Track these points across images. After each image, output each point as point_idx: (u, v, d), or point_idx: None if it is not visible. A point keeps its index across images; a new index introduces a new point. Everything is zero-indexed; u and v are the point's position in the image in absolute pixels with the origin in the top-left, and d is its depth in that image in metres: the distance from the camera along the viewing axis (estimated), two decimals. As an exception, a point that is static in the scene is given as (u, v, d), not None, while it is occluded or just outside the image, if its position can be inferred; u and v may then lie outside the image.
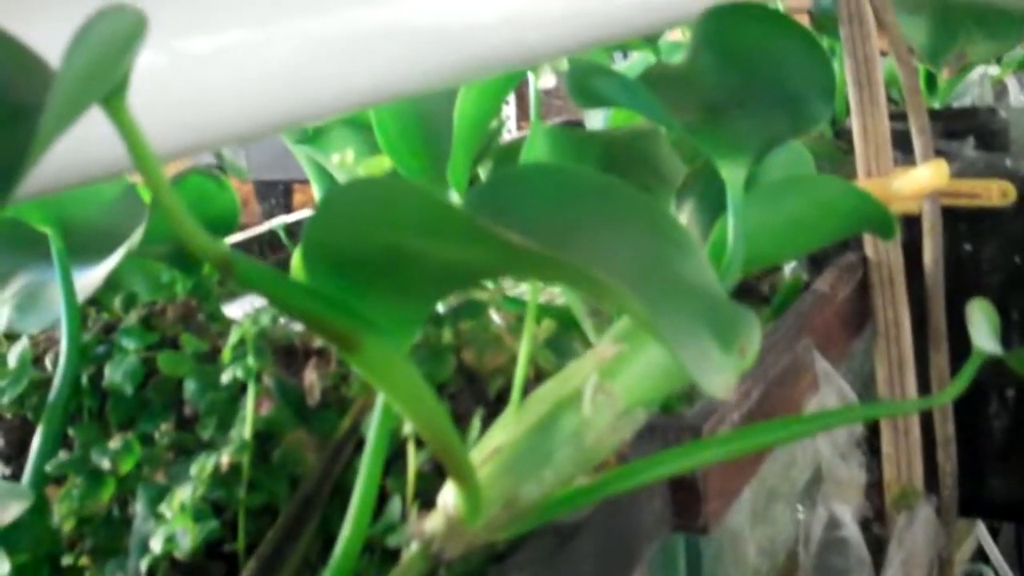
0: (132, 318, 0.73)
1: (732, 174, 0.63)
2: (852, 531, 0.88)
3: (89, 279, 0.72)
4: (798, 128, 0.63)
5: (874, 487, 0.97)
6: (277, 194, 2.58)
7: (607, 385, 0.57)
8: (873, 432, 0.97)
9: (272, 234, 1.07)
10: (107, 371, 0.71)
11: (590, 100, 0.65)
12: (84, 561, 0.69)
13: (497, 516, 0.55)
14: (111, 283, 0.76)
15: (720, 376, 0.47)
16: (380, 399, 0.54)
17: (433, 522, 0.55)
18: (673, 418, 0.67)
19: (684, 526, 0.68)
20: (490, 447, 0.56)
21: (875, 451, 0.97)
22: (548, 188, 0.53)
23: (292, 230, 1.08)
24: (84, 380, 0.72)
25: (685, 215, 0.73)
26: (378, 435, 0.54)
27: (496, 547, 0.58)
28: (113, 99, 0.35)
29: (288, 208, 2.51)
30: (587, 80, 0.63)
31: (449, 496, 0.55)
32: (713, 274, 0.54)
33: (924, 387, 0.97)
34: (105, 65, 0.33)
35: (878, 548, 0.95)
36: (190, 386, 0.69)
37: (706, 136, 0.62)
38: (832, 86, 0.63)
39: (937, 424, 0.99)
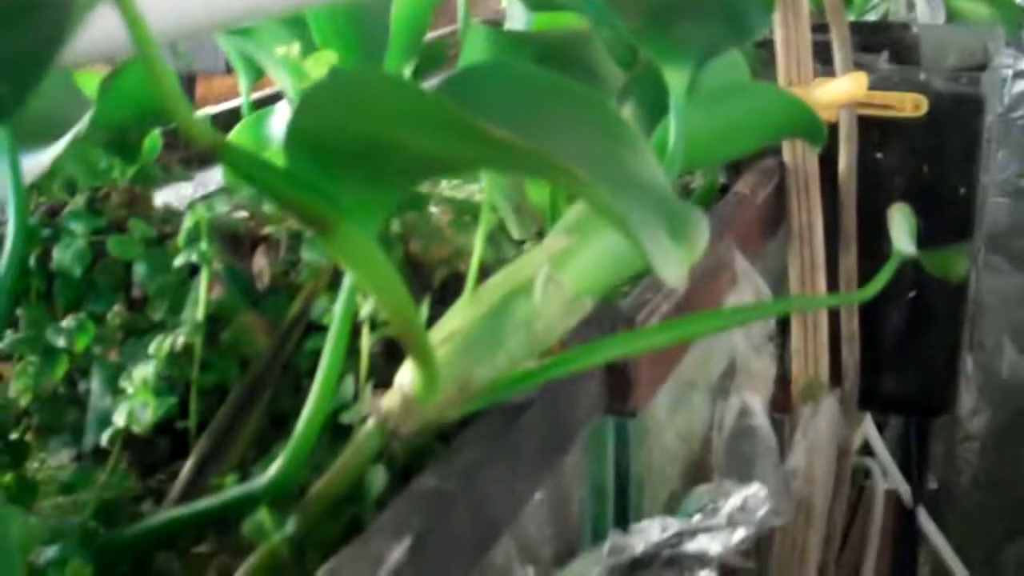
0: (79, 202, 0.73)
1: (675, 79, 0.66)
2: (761, 420, 0.93)
3: (35, 163, 0.72)
4: (738, 37, 0.66)
5: (783, 379, 1.02)
6: (180, 85, 2.52)
7: (557, 275, 0.60)
8: (783, 328, 1.02)
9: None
10: (55, 253, 0.72)
11: (542, 4, 0.67)
12: (29, 437, 0.71)
13: (451, 396, 0.58)
14: (50, 169, 0.77)
15: (676, 267, 0.51)
16: (346, 284, 0.56)
17: (390, 400, 0.58)
18: (610, 308, 0.71)
19: (616, 409, 0.72)
20: (445, 331, 0.59)
21: (785, 345, 1.03)
22: (504, 87, 0.55)
23: (215, 122, 1.08)
24: (31, 262, 0.73)
25: (625, 114, 0.76)
26: (342, 318, 0.57)
27: (445, 426, 0.61)
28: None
29: (191, 99, 2.47)
30: (540, -15, 0.65)
31: (406, 376, 0.58)
32: (662, 172, 0.57)
33: (833, 286, 1.02)
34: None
35: (784, 436, 1.00)
36: (140, 269, 0.70)
37: (651, 41, 0.64)
38: (768, 1, 0.66)
39: (843, 321, 1.04)
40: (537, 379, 0.61)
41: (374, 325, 0.64)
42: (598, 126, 0.57)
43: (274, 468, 0.57)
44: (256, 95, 1.18)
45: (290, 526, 0.55)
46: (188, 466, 0.64)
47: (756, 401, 0.93)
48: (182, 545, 0.61)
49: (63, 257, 0.71)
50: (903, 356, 1.10)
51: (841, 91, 0.91)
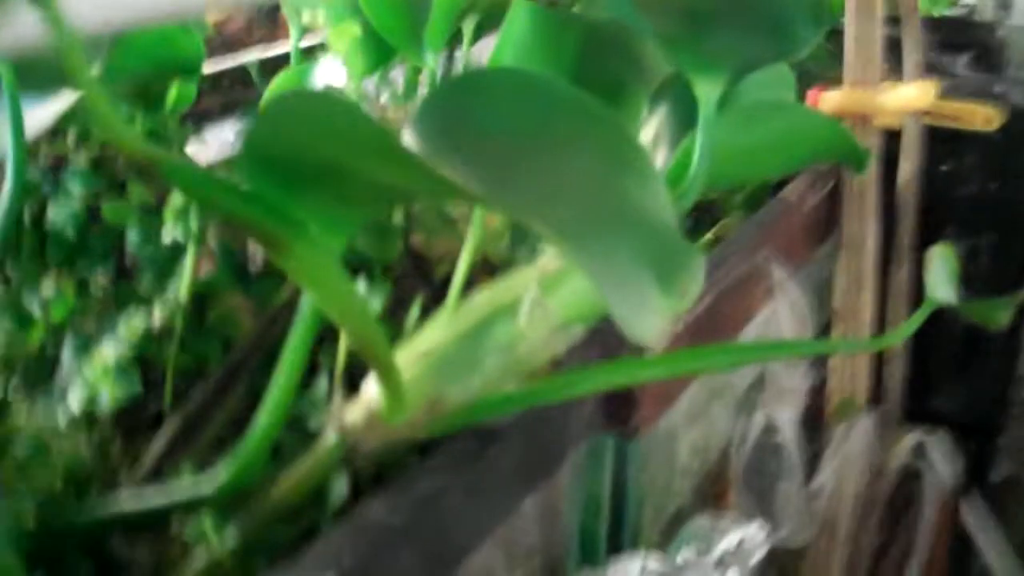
0: (81, 159, 0.71)
1: (706, 91, 0.61)
2: (788, 437, 0.89)
3: (40, 116, 0.69)
4: (781, 54, 0.61)
5: (817, 394, 0.97)
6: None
7: (545, 300, 0.56)
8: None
9: (244, 70, 1.04)
10: (50, 211, 0.69)
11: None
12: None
13: (419, 416, 0.55)
14: (68, 115, 0.74)
15: (653, 319, 0.46)
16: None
17: (353, 414, 0.55)
18: (614, 323, 0.66)
19: (615, 429, 0.68)
20: (420, 348, 0.55)
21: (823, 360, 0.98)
22: (511, 97, 0.51)
23: (268, 66, 1.05)
24: (27, 216, 0.70)
25: (657, 120, 0.71)
26: (308, 319, 0.53)
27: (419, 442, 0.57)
28: None
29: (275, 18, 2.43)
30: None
31: (372, 390, 0.54)
32: (668, 203, 0.53)
33: (883, 302, 0.96)
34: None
35: (814, 455, 0.96)
36: (132, 237, 0.68)
37: (683, 49, 0.59)
38: (820, 15, 0.60)
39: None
40: (519, 403, 0.58)
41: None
42: (605, 149, 0.52)
43: (223, 472, 0.54)
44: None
45: (231, 538, 0.52)
46: (157, 445, 0.62)
47: (784, 418, 0.89)
48: (144, 526, 0.59)
49: (57, 216, 0.69)
50: (954, 372, 1.04)
51: (907, 99, 0.85)
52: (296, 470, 0.55)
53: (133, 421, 0.66)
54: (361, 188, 0.44)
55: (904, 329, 0.62)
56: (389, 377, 0.52)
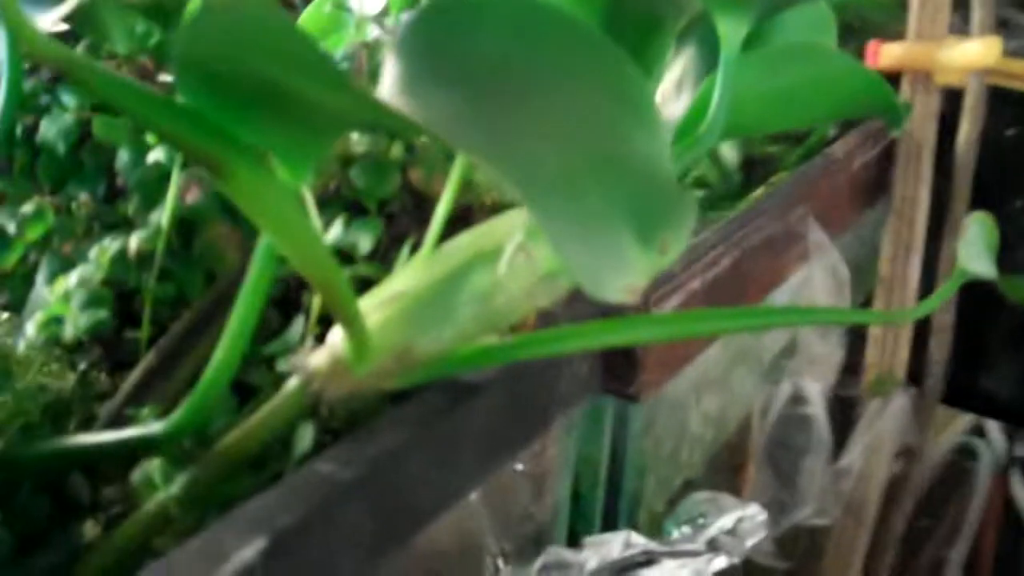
0: (78, 72, 0.68)
1: (729, 30, 0.56)
2: (817, 409, 0.84)
3: (43, 22, 0.66)
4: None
5: (855, 366, 0.92)
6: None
7: (530, 247, 0.52)
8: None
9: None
10: (42, 126, 0.67)
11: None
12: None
13: (387, 365, 0.51)
14: (85, 25, 0.71)
15: (626, 275, 0.42)
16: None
17: (318, 359, 0.51)
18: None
19: (614, 391, 0.64)
20: (391, 292, 0.52)
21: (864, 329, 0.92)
22: (508, 24, 0.47)
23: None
24: (21, 131, 0.68)
25: (683, 60, 0.66)
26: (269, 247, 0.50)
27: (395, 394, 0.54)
28: None
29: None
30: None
31: (338, 336, 0.51)
32: (665, 149, 0.48)
33: (931, 272, 0.90)
34: None
35: (845, 430, 0.91)
36: (123, 157, 0.65)
37: (705, -19, 0.55)
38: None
39: (936, 311, 0.93)
40: (499, 357, 0.54)
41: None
42: (603, 84, 0.48)
43: (176, 413, 0.51)
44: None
45: (177, 486, 0.49)
46: (131, 379, 0.59)
47: (814, 388, 0.84)
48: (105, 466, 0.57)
49: (48, 131, 0.66)
50: (1005, 355, 0.98)
51: (970, 56, 0.79)
52: (257, 416, 0.52)
53: (118, 352, 0.64)
54: (307, 111, 0.40)
55: (932, 300, 0.57)
56: (350, 321, 0.48)
